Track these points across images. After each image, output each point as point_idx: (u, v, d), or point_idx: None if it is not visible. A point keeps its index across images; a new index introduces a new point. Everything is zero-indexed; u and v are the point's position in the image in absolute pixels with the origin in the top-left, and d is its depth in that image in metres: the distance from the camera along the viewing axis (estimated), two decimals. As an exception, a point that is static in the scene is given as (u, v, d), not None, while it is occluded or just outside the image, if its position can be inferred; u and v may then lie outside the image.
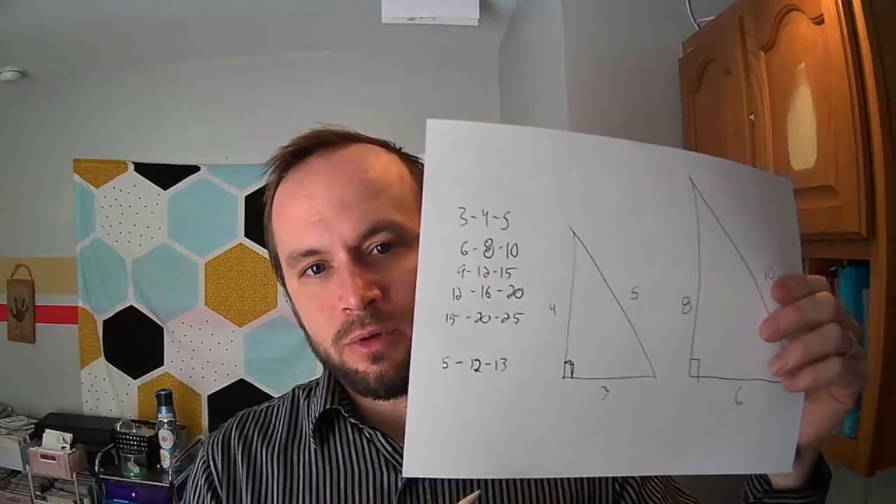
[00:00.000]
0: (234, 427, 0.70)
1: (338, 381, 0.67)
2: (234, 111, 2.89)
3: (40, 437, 2.68)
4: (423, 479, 0.62)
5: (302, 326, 0.65)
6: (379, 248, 0.58)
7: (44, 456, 2.60)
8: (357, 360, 0.58)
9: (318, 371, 0.70)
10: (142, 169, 2.92)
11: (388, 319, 0.57)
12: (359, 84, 2.82)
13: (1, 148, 3.02)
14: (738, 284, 0.47)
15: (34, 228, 3.01)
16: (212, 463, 0.67)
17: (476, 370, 0.44)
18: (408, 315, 0.54)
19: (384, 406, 0.64)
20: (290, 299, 0.65)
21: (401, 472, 0.61)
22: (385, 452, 0.63)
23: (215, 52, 2.83)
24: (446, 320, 0.43)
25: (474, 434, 0.44)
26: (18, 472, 2.73)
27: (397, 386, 0.58)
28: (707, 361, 0.47)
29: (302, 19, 2.51)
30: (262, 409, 0.72)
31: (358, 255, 0.58)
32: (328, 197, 0.58)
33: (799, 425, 0.49)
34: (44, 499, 2.69)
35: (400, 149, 0.67)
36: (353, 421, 0.64)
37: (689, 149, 1.64)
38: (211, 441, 0.70)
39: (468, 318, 0.43)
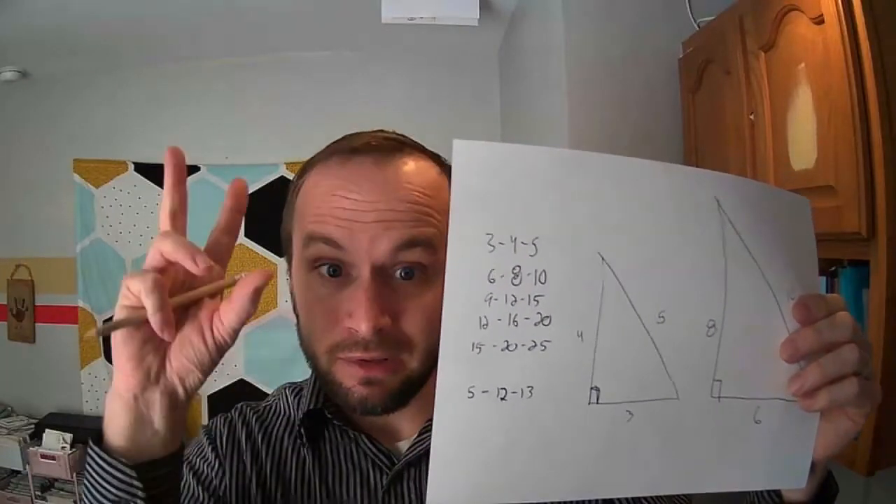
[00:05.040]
0: (237, 415, 0.69)
1: None
2: (234, 111, 2.89)
3: (40, 437, 2.68)
4: (408, 479, 0.62)
5: (296, 314, 0.63)
6: (403, 273, 0.56)
7: (44, 456, 2.60)
8: (346, 377, 0.57)
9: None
10: (142, 169, 2.92)
11: (392, 347, 0.56)
12: (359, 84, 2.82)
13: (1, 148, 3.02)
14: (762, 306, 0.47)
15: (34, 228, 3.01)
16: (217, 434, 0.67)
17: (502, 398, 0.43)
18: (412, 345, 0.54)
19: None
20: (292, 284, 0.64)
21: (385, 471, 0.62)
22: (370, 454, 0.63)
23: (215, 52, 2.83)
24: (472, 349, 0.42)
25: (499, 461, 0.44)
26: (18, 472, 2.73)
27: (377, 409, 0.57)
28: (728, 382, 0.47)
29: (302, 19, 2.51)
30: (259, 406, 0.71)
31: (382, 275, 0.56)
32: (373, 207, 0.56)
33: (814, 442, 0.50)
34: (44, 499, 2.69)
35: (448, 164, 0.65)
36: (336, 422, 0.64)
37: (689, 149, 1.65)
38: (215, 421, 0.69)
39: (495, 346, 0.43)
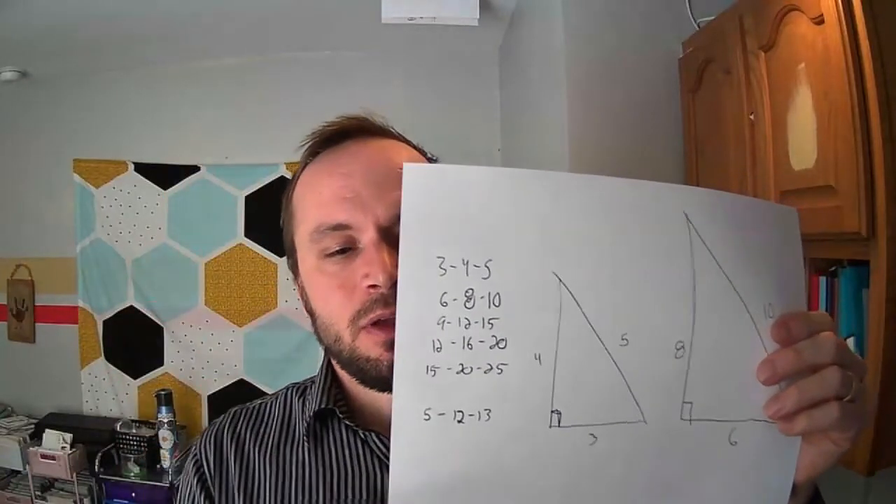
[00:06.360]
0: (227, 424, 0.69)
1: (334, 379, 0.66)
2: (234, 111, 2.89)
3: (40, 437, 2.67)
4: None
5: (310, 312, 0.64)
6: None
7: (44, 456, 2.60)
8: (371, 347, 0.57)
9: (317, 371, 0.70)
10: (142, 169, 2.92)
11: None
12: (359, 84, 2.82)
13: (1, 148, 3.02)
14: (735, 325, 0.46)
15: (34, 228, 3.01)
16: (204, 461, 0.66)
17: (459, 421, 0.42)
18: None
19: (384, 403, 0.63)
20: (301, 283, 0.64)
21: None
22: (379, 452, 0.62)
23: (215, 52, 2.83)
24: (427, 372, 0.42)
25: (458, 485, 0.43)
26: (18, 472, 2.73)
27: None
28: (700, 404, 0.46)
29: (302, 19, 2.51)
30: (254, 407, 0.71)
31: (388, 235, 0.57)
32: (365, 177, 0.59)
33: (795, 464, 0.48)
34: (44, 499, 2.69)
35: (430, 156, 0.68)
36: (347, 423, 0.64)
37: (689, 149, 1.65)
38: (202, 438, 0.69)
39: (449, 369, 0.42)
